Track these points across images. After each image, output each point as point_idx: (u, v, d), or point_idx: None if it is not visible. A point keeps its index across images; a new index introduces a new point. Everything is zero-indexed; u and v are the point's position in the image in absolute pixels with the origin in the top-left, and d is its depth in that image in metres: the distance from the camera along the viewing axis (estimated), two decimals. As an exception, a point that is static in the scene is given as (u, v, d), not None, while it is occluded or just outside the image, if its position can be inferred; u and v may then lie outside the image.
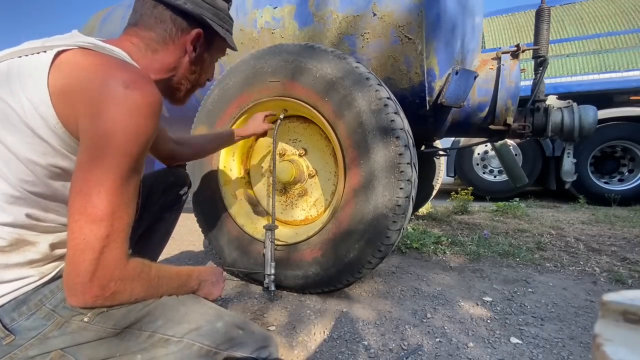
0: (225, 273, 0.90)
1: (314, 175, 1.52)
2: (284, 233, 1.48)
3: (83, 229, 0.52)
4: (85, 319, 0.62)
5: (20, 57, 0.60)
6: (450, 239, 2.32)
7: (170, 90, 0.79)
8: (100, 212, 0.52)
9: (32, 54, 0.60)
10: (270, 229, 1.37)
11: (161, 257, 2.06)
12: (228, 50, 0.88)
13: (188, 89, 0.82)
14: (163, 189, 1.11)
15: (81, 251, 0.51)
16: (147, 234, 1.10)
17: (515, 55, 1.92)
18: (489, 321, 1.27)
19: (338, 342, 1.13)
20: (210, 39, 0.79)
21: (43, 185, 0.60)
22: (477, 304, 1.40)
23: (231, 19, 0.84)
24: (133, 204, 0.58)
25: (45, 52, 0.59)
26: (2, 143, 0.57)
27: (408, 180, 1.21)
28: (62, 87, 0.56)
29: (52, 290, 0.62)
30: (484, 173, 4.75)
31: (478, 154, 4.75)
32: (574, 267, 1.84)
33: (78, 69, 0.57)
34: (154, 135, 0.59)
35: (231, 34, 0.84)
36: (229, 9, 0.84)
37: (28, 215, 0.59)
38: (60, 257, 0.66)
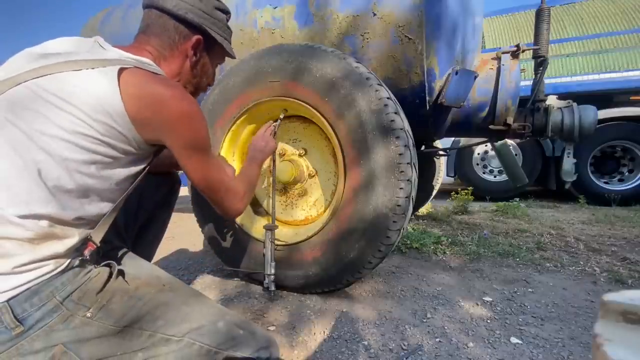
0: (272, 129, 1.33)
1: (314, 175, 1.52)
2: (284, 233, 1.48)
3: (219, 191, 0.84)
4: (88, 314, 0.63)
5: (79, 70, 0.64)
6: (450, 239, 2.32)
7: None
8: (218, 177, 0.83)
9: (92, 68, 0.65)
10: (270, 229, 1.37)
11: (161, 257, 2.06)
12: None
13: (191, 92, 0.90)
14: (155, 187, 1.11)
15: (228, 200, 0.87)
16: (143, 230, 1.10)
17: (515, 55, 1.92)
18: (489, 321, 1.27)
19: (338, 342, 1.13)
20: (210, 46, 0.88)
21: (98, 183, 0.66)
22: (477, 304, 1.40)
23: (229, 28, 0.94)
24: (225, 163, 1.01)
25: (93, 68, 0.64)
26: (74, 144, 0.62)
27: (408, 180, 1.21)
28: (138, 111, 0.66)
29: (64, 282, 0.63)
30: (484, 173, 4.75)
31: (478, 154, 4.75)
32: (574, 267, 1.84)
33: (146, 93, 0.67)
34: None
35: (229, 42, 0.94)
36: (227, 20, 0.93)
37: (68, 209, 0.63)
38: (77, 248, 0.68)
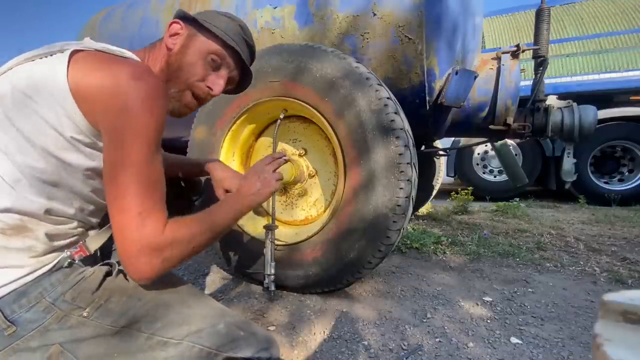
0: (273, 166, 0.91)
1: (314, 175, 1.52)
2: (284, 233, 1.48)
3: (123, 220, 0.58)
4: (84, 314, 0.62)
5: (41, 58, 0.63)
6: (450, 239, 2.32)
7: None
8: (132, 205, 0.58)
9: (51, 55, 0.63)
10: (270, 229, 1.37)
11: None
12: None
13: (172, 87, 0.77)
14: (174, 196, 1.08)
15: (124, 239, 0.58)
16: None
17: (515, 55, 1.92)
18: (489, 321, 1.27)
19: (338, 342, 1.13)
20: (195, 30, 0.77)
21: (53, 174, 0.62)
22: (477, 304, 1.40)
23: (237, 34, 0.80)
24: (161, 179, 0.63)
25: (62, 52, 0.63)
26: (19, 131, 0.60)
27: (408, 180, 1.21)
28: (81, 87, 0.59)
29: (53, 283, 0.62)
30: (484, 173, 4.75)
31: (478, 154, 4.75)
32: (574, 267, 1.84)
33: (91, 68, 0.61)
34: (165, 116, 0.63)
35: (232, 40, 0.78)
36: (239, 29, 0.82)
37: (32, 202, 0.61)
38: (60, 248, 0.66)
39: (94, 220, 0.74)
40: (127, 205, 0.58)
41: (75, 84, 0.59)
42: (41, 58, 0.63)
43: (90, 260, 0.72)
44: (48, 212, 0.63)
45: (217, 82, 0.79)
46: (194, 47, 0.76)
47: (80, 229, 0.70)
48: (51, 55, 0.63)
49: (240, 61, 0.82)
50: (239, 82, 0.88)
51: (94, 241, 0.71)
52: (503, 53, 1.93)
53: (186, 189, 1.14)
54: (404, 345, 1.11)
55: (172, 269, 0.64)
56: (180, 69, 0.76)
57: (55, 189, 0.63)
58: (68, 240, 0.68)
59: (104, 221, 0.76)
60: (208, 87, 0.79)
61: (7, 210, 0.59)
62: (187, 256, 0.65)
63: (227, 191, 1.01)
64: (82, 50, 0.63)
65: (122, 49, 0.69)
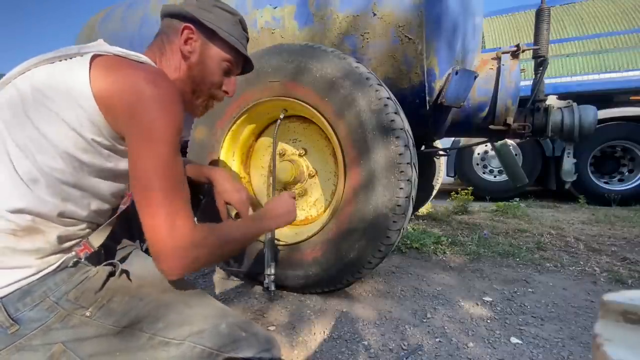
0: (287, 199, 0.99)
1: (314, 175, 1.52)
2: (284, 233, 1.48)
3: (154, 222, 0.60)
4: (87, 314, 0.62)
5: (60, 60, 0.66)
6: (450, 239, 2.32)
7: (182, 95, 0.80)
8: (161, 207, 0.60)
9: (71, 58, 0.65)
10: (271, 229, 1.37)
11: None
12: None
13: (192, 93, 0.83)
14: None
15: (157, 240, 0.61)
16: None
17: (515, 55, 1.92)
18: (489, 321, 1.27)
19: (338, 342, 1.13)
20: (207, 38, 0.81)
21: (72, 175, 0.63)
22: (477, 304, 1.40)
23: (238, 28, 0.85)
24: (184, 180, 0.65)
25: (82, 55, 0.65)
26: (39, 131, 0.61)
27: (408, 180, 1.21)
28: (103, 90, 0.62)
29: (57, 283, 0.62)
30: (484, 173, 4.75)
31: (478, 154, 4.75)
32: (574, 267, 1.84)
33: (113, 73, 0.63)
34: (182, 119, 0.66)
35: (237, 40, 0.84)
36: (237, 21, 0.86)
37: (46, 203, 0.61)
38: (66, 249, 0.67)
39: (103, 220, 0.75)
40: (156, 208, 0.60)
41: (98, 87, 0.61)
42: (60, 60, 0.65)
43: (95, 258, 0.72)
44: (61, 214, 0.64)
45: (231, 83, 0.88)
46: (210, 58, 0.82)
47: (87, 230, 0.71)
48: (70, 58, 0.65)
49: (245, 59, 0.90)
50: (239, 73, 0.95)
51: (97, 237, 0.72)
52: (503, 53, 1.93)
53: (194, 188, 1.15)
54: (404, 345, 1.11)
55: (200, 269, 0.69)
56: (204, 82, 0.83)
57: (72, 189, 0.64)
58: (74, 242, 0.69)
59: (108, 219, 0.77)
60: (224, 91, 0.88)
61: (19, 211, 0.59)
62: (214, 260, 0.69)
63: (227, 204, 1.07)
64: (102, 55, 0.66)
65: (138, 54, 0.71)
